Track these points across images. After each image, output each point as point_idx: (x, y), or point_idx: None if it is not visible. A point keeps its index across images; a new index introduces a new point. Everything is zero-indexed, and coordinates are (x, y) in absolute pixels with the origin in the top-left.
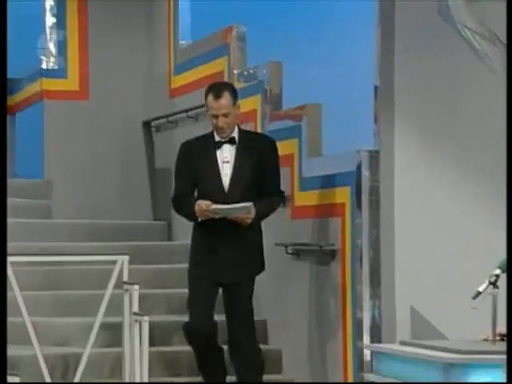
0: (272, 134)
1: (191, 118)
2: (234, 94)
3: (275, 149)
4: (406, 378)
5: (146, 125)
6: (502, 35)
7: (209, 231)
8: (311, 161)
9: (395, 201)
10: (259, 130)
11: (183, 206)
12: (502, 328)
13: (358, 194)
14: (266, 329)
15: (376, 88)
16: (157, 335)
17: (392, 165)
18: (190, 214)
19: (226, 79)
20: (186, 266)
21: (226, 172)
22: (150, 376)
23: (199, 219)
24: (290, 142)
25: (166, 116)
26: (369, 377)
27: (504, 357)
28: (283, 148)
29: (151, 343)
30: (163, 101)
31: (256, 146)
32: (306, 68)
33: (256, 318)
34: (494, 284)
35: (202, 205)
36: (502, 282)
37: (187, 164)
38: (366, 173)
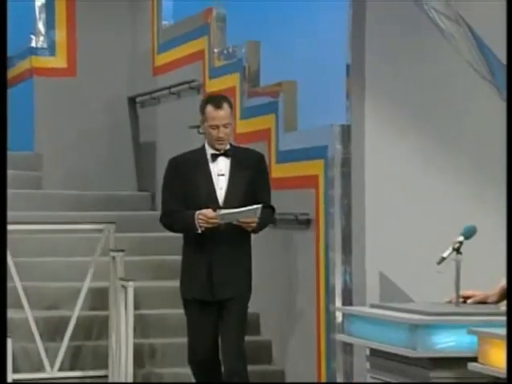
0: (250, 110)
1: (173, 94)
2: (231, 106)
3: (265, 162)
4: (375, 339)
5: (131, 101)
6: (467, 16)
7: (203, 246)
8: (287, 135)
9: (366, 172)
10: (238, 106)
11: (178, 219)
12: (464, 291)
13: (330, 166)
14: None
15: (348, 66)
16: (141, 299)
17: (363, 138)
18: (188, 225)
19: (206, 58)
20: (171, 234)
21: (221, 185)
22: (134, 338)
23: (199, 230)
24: (266, 117)
25: (150, 93)
26: (340, 337)
27: (466, 318)
28: (261, 123)
29: (136, 307)
30: (147, 78)
31: (248, 160)
32: (283, 47)
33: None
34: (457, 250)
35: (207, 213)
36: (465, 249)
37: (177, 179)
38: (338, 146)
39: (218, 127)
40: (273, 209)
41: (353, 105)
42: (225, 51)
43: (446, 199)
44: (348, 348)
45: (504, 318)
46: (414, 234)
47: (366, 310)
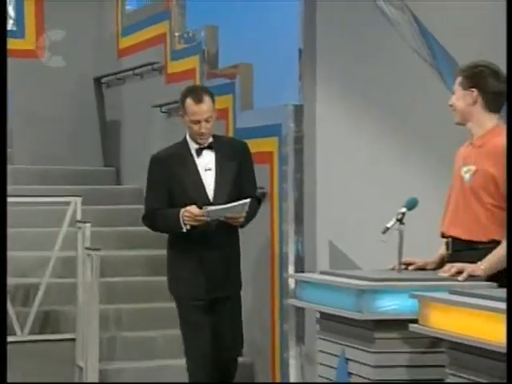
0: None
1: (137, 75)
2: (213, 98)
3: (249, 151)
4: (324, 303)
5: (97, 81)
6: (411, 4)
7: (193, 244)
8: (243, 114)
9: (317, 149)
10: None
11: (162, 218)
12: (406, 259)
13: (284, 144)
14: None
15: (300, 50)
16: (106, 268)
17: (314, 117)
18: (173, 224)
19: (167, 41)
20: (134, 206)
21: (209, 181)
22: (100, 303)
23: (185, 228)
24: (224, 97)
25: (115, 73)
26: (291, 302)
27: (408, 283)
28: (219, 103)
29: (101, 274)
30: (112, 60)
31: (233, 151)
32: (240, 32)
33: None
34: (400, 221)
35: (193, 210)
36: (407, 219)
37: (162, 176)
38: (291, 124)
39: (199, 122)
40: (259, 200)
41: (305, 86)
42: (185, 35)
43: (390, 173)
44: (300, 312)
45: (442, 283)
46: (361, 206)
47: (317, 276)
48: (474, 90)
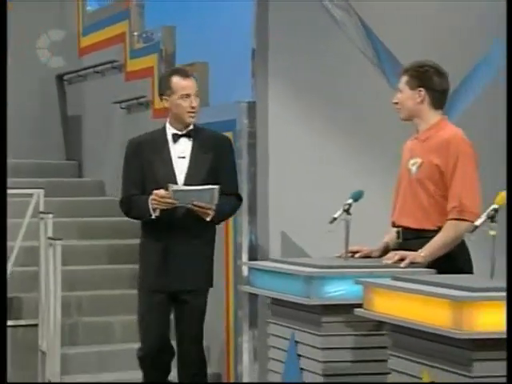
0: None
1: (98, 73)
2: (196, 79)
3: (232, 147)
4: (276, 289)
5: (59, 78)
6: (357, 7)
7: (159, 233)
8: (200, 110)
9: (269, 143)
10: (157, 85)
11: (134, 204)
12: (352, 247)
13: (238, 138)
14: None
15: (253, 50)
16: (68, 256)
17: (266, 113)
18: (143, 211)
19: (127, 40)
20: (95, 198)
21: (181, 169)
22: (62, 291)
23: (154, 215)
24: None
25: (77, 71)
26: (245, 288)
27: (354, 270)
28: None
29: (63, 263)
30: (74, 58)
31: (213, 143)
32: (197, 32)
33: None
34: (347, 211)
35: (159, 192)
36: (354, 210)
37: (136, 162)
38: (245, 120)
39: (189, 96)
40: (239, 198)
41: (257, 84)
42: (143, 35)
43: (339, 167)
44: (253, 298)
45: (385, 270)
46: (311, 198)
47: (268, 264)
48: (421, 89)
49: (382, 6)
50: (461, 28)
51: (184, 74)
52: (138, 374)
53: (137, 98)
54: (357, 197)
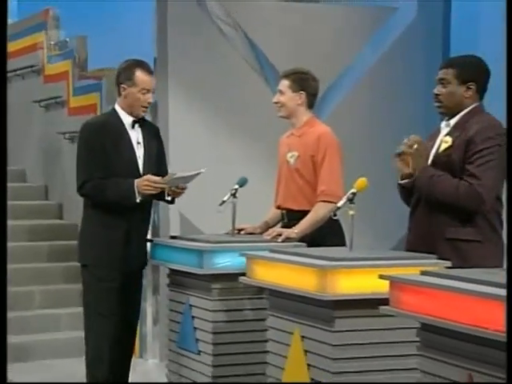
0: (80, 89)
1: (19, 76)
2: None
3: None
4: (173, 262)
5: None
6: (242, 23)
7: (119, 217)
8: (109, 108)
9: (170, 138)
10: (71, 86)
11: (112, 187)
12: (238, 225)
13: None
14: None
15: (155, 58)
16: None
17: (167, 112)
18: (126, 195)
19: (44, 48)
20: (18, 184)
21: (139, 154)
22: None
23: (138, 199)
24: (93, 95)
25: None
26: (149, 261)
27: (239, 244)
28: (89, 99)
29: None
30: None
31: (153, 131)
32: (107, 40)
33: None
34: (233, 195)
35: (154, 178)
36: (240, 194)
37: (99, 144)
38: (149, 118)
39: (148, 91)
40: None
41: (159, 87)
42: (59, 43)
43: (231, 158)
44: (155, 269)
45: (265, 244)
46: (205, 184)
47: (168, 240)
48: (302, 92)
49: (261, 23)
50: (321, 40)
51: (148, 69)
52: None
53: (54, 98)
54: (242, 183)
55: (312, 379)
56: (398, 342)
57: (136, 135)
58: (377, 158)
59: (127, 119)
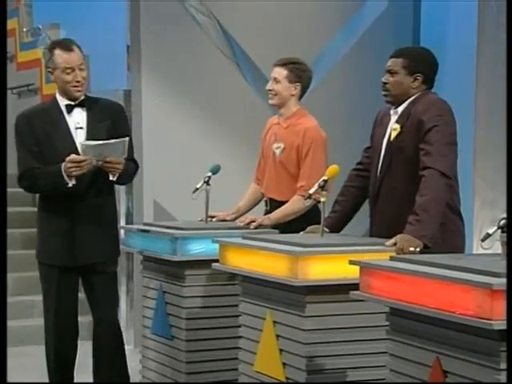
0: None
1: None
2: (81, 49)
3: (125, 114)
4: (147, 248)
5: None
6: (216, 12)
7: (62, 206)
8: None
9: (143, 125)
10: (44, 73)
11: (42, 176)
12: (211, 212)
13: None
14: None
15: (128, 46)
16: None
17: (140, 99)
18: (57, 181)
19: (17, 35)
20: None
21: (80, 139)
22: None
23: (70, 183)
24: None
25: None
26: (123, 248)
27: (212, 231)
28: None
29: None
30: None
31: (108, 112)
32: (79, 27)
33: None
34: (207, 183)
35: (76, 157)
36: (213, 181)
37: (32, 135)
38: (122, 105)
39: (73, 70)
40: (137, 164)
41: (132, 75)
42: (32, 30)
43: (205, 145)
44: (130, 256)
45: (237, 231)
46: (179, 172)
47: (141, 227)
48: (298, 84)
49: (234, 11)
50: (294, 28)
51: (66, 47)
52: None
53: (27, 85)
54: (215, 170)
55: (284, 363)
56: (368, 327)
57: (75, 119)
58: (349, 147)
59: (64, 103)
